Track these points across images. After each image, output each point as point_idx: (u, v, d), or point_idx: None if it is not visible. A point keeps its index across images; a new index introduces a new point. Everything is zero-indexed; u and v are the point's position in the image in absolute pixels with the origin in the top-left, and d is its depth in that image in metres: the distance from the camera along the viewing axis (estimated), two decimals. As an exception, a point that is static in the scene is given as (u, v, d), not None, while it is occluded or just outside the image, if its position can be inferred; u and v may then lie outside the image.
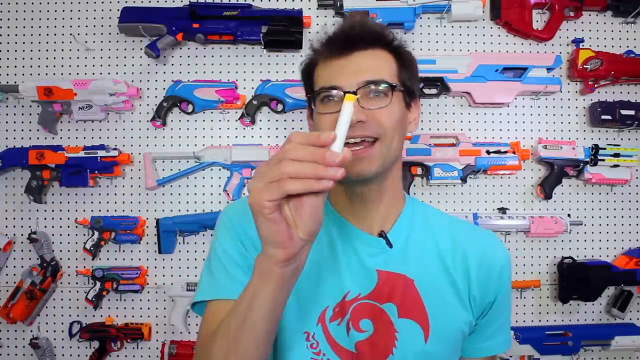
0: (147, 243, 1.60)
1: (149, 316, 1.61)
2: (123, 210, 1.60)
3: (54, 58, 1.60)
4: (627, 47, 1.65)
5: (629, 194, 1.66)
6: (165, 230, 1.56)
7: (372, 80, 0.76)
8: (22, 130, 1.60)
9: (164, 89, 1.58)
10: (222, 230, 0.83)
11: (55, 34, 1.60)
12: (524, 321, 1.64)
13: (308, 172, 0.54)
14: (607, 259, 1.63)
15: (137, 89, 1.56)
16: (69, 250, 1.60)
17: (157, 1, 1.61)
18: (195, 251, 1.61)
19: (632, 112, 1.59)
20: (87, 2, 1.61)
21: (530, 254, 1.64)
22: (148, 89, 1.61)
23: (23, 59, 1.60)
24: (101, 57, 1.60)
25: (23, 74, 1.60)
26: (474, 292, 0.83)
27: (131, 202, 1.60)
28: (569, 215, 1.61)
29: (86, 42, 1.59)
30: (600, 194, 1.66)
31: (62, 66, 1.60)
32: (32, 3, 1.60)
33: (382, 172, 0.78)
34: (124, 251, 1.60)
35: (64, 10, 1.61)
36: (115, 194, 1.60)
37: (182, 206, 1.60)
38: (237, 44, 1.59)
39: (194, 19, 1.52)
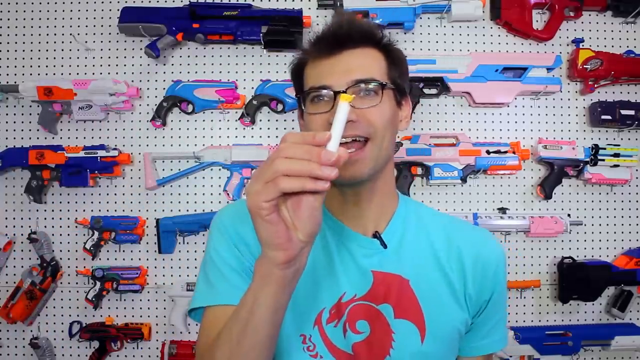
0: (147, 243, 1.60)
1: (149, 316, 1.61)
2: (123, 210, 1.60)
3: (54, 58, 1.60)
4: (627, 47, 1.65)
5: (629, 194, 1.66)
6: (165, 230, 1.56)
7: (361, 79, 0.75)
8: (22, 130, 1.60)
9: (164, 89, 1.58)
10: (216, 234, 0.83)
11: (55, 34, 1.60)
12: (524, 321, 1.64)
13: (302, 169, 0.54)
14: (607, 259, 1.63)
15: (137, 89, 1.56)
16: (69, 250, 1.60)
17: (157, 1, 1.61)
18: (195, 251, 1.61)
19: (632, 112, 1.59)
20: (87, 2, 1.61)
21: (530, 254, 1.64)
22: (148, 89, 1.61)
23: (23, 59, 1.60)
24: (101, 57, 1.61)
25: (23, 74, 1.60)
26: (470, 290, 0.82)
27: (131, 202, 1.60)
28: (569, 215, 1.61)
29: (86, 42, 1.59)
30: (600, 194, 1.66)
31: (62, 66, 1.60)
32: (32, 3, 1.60)
33: (375, 173, 0.78)
34: (124, 251, 1.60)
35: (64, 10, 1.61)
36: (115, 194, 1.60)
37: (182, 206, 1.60)
38: (237, 44, 1.60)
39: (194, 19, 1.52)
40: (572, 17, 1.62)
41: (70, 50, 1.60)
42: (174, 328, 1.56)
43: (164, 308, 1.60)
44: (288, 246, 0.57)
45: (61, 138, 1.60)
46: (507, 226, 1.59)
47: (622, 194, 1.66)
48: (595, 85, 1.61)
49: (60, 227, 1.60)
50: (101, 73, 1.60)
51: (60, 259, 1.60)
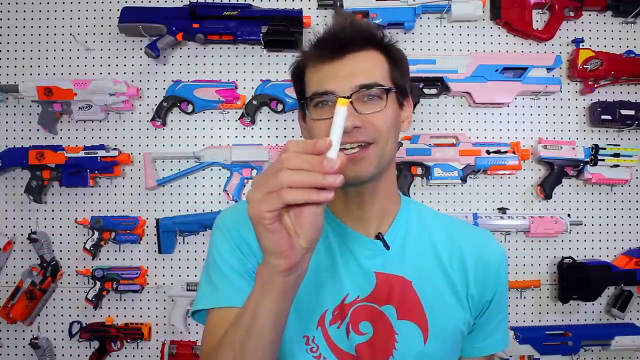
0: (147, 243, 1.60)
1: (149, 316, 1.61)
2: (123, 210, 1.60)
3: (54, 58, 1.60)
4: (627, 47, 1.65)
5: (629, 194, 1.66)
6: (165, 230, 1.56)
7: (365, 84, 0.75)
8: (22, 130, 1.60)
9: (164, 89, 1.58)
10: (218, 237, 0.83)
11: (55, 34, 1.60)
12: (524, 321, 1.64)
13: (306, 181, 0.53)
14: (607, 259, 1.63)
15: (137, 89, 1.56)
16: (69, 250, 1.60)
17: (157, 1, 1.61)
18: (195, 251, 1.61)
19: (632, 112, 1.59)
20: (87, 2, 1.61)
21: (530, 254, 1.64)
22: (148, 89, 1.61)
23: (23, 59, 1.60)
24: (101, 57, 1.60)
25: (23, 74, 1.60)
26: (472, 291, 0.83)
27: (131, 202, 1.60)
28: (569, 215, 1.61)
29: (86, 42, 1.59)
30: (600, 194, 1.66)
31: (62, 66, 1.60)
32: (32, 3, 1.60)
33: (378, 173, 0.78)
34: (124, 251, 1.60)
35: (64, 10, 1.61)
36: (115, 194, 1.60)
37: (182, 206, 1.60)
38: (237, 44, 1.59)
39: (194, 19, 1.52)
40: (572, 17, 1.62)
41: (70, 50, 1.60)
42: (174, 328, 1.56)
43: (164, 308, 1.60)
44: (290, 253, 0.57)
45: (61, 138, 1.60)
46: (507, 226, 1.59)
47: (622, 194, 1.66)
48: (595, 85, 1.61)
49: (60, 227, 1.60)
50: (101, 73, 1.60)
51: (60, 259, 1.60)
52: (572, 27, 1.65)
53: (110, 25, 1.60)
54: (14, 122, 1.60)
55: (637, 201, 1.66)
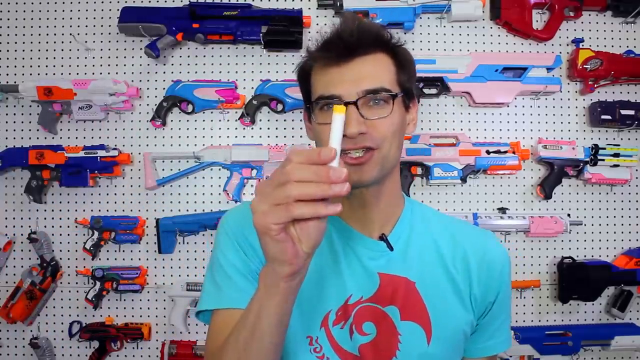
0: (147, 243, 1.60)
1: (148, 316, 1.60)
2: (123, 210, 1.60)
3: (54, 58, 1.60)
4: (627, 47, 1.65)
5: (629, 194, 1.66)
6: (165, 230, 1.56)
7: (372, 89, 0.74)
8: (22, 130, 1.60)
9: (164, 89, 1.58)
10: (223, 238, 0.83)
11: (55, 34, 1.60)
12: (524, 321, 1.64)
13: (314, 193, 0.53)
14: (607, 259, 1.63)
15: (137, 89, 1.56)
16: (68, 250, 1.60)
17: (157, 1, 1.61)
18: (195, 251, 1.61)
19: (632, 112, 1.59)
20: (87, 2, 1.61)
21: (530, 254, 1.64)
22: (148, 89, 1.61)
23: (23, 59, 1.60)
24: (101, 57, 1.60)
25: (23, 74, 1.60)
26: (475, 291, 0.83)
27: (131, 202, 1.60)
28: (568, 215, 1.61)
29: (86, 42, 1.58)
30: (600, 194, 1.66)
31: (62, 66, 1.60)
32: (32, 3, 1.60)
33: (382, 176, 0.78)
34: (123, 251, 1.60)
35: (64, 10, 1.61)
36: (115, 194, 1.60)
37: (182, 206, 1.60)
38: (237, 44, 1.59)
39: (194, 19, 1.52)
40: (572, 17, 1.62)
41: (70, 50, 1.60)
42: (173, 328, 1.56)
43: (164, 308, 1.60)
44: (294, 261, 0.57)
45: (61, 138, 1.60)
46: (507, 226, 1.59)
47: (622, 194, 1.66)
48: (595, 85, 1.61)
49: (60, 227, 1.60)
50: (101, 73, 1.59)
51: (60, 259, 1.60)
52: (572, 27, 1.65)
53: (110, 25, 1.60)
54: (14, 122, 1.60)
55: (637, 201, 1.67)
